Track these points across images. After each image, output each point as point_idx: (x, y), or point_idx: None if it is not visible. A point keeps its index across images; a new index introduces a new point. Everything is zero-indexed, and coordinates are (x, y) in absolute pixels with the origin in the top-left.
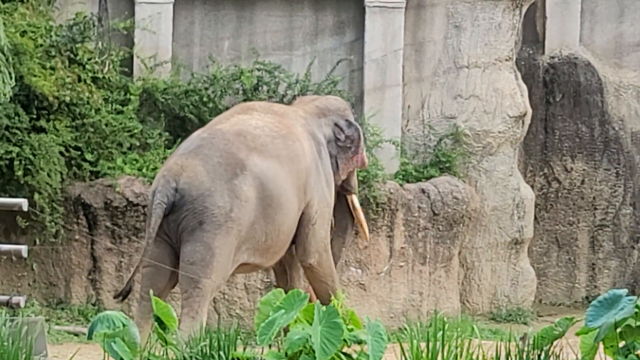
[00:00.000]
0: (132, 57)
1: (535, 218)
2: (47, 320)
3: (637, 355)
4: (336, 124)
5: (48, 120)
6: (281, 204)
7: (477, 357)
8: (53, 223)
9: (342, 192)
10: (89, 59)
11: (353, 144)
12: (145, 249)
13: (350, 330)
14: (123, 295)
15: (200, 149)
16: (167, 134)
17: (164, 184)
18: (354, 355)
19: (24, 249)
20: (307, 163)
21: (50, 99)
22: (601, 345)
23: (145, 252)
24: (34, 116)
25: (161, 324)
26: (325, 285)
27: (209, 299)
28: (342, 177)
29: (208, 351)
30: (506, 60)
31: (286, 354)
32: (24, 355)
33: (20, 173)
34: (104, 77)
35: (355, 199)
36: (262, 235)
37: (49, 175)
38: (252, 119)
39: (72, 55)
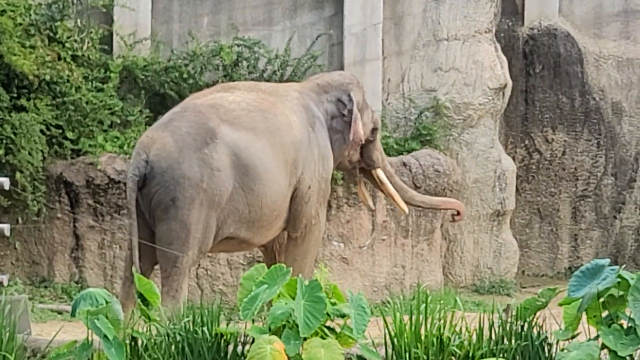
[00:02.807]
0: (111, 34)
1: (517, 190)
2: (30, 299)
3: (620, 325)
4: (339, 100)
5: (28, 99)
6: (259, 173)
7: (461, 329)
8: (35, 202)
9: (366, 168)
10: (69, 37)
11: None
12: (131, 226)
13: (333, 304)
14: None
15: (171, 122)
16: (147, 111)
17: (135, 157)
18: (337, 329)
19: (6, 227)
20: (294, 136)
21: (31, 77)
22: (584, 316)
23: (131, 231)
24: (15, 95)
25: (144, 300)
26: (297, 265)
27: (188, 274)
28: (352, 152)
29: (191, 327)
30: (486, 32)
31: (269, 328)
32: (7, 334)
33: (1, 152)
34: (83, 55)
35: (380, 173)
36: (245, 207)
37: (30, 154)
38: (231, 95)
39: (51, 34)
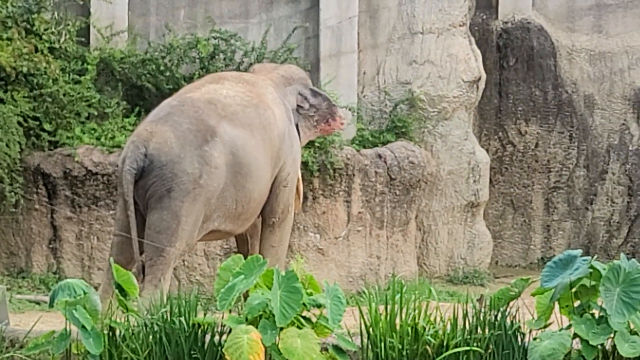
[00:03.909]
0: (88, 27)
1: (491, 181)
2: (8, 289)
3: (592, 315)
4: (300, 93)
5: (6, 91)
6: (251, 171)
7: (435, 319)
8: (13, 193)
9: None
10: (46, 30)
11: (317, 113)
12: (120, 218)
13: (310, 294)
14: None
15: (169, 116)
16: (124, 103)
17: (133, 150)
18: (314, 319)
19: None
20: (279, 130)
21: (8, 69)
22: (557, 305)
23: (119, 223)
24: None
25: (122, 291)
26: (275, 251)
27: (173, 265)
28: (302, 145)
29: (169, 317)
30: (460, 25)
31: (246, 318)
32: None
33: None
34: (60, 47)
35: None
36: (233, 202)
37: (7, 146)
38: (223, 88)
39: (28, 26)
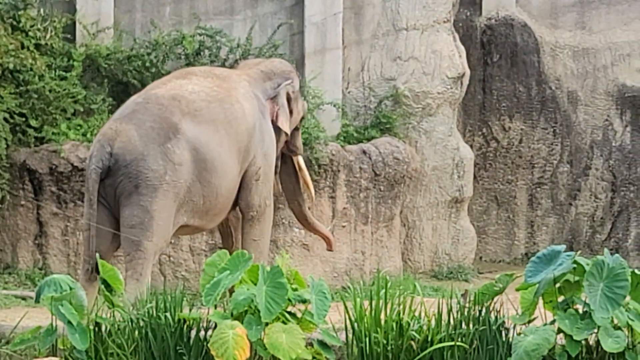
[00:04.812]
0: (74, 23)
1: (475, 177)
2: None
3: (575, 310)
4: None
5: None
6: (216, 167)
7: (420, 314)
8: None
9: (287, 153)
10: (32, 26)
11: (290, 104)
12: (87, 213)
13: (295, 289)
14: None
15: (134, 113)
16: (110, 99)
17: (98, 149)
18: (299, 314)
19: None
20: (248, 124)
21: None
22: (541, 301)
23: (86, 217)
24: None
25: (108, 286)
26: (257, 244)
27: (152, 260)
28: (286, 138)
29: (154, 313)
30: (444, 22)
31: (232, 314)
32: None
33: None
34: (46, 44)
35: (301, 160)
36: (200, 198)
37: None
38: (190, 83)
39: (14, 23)
